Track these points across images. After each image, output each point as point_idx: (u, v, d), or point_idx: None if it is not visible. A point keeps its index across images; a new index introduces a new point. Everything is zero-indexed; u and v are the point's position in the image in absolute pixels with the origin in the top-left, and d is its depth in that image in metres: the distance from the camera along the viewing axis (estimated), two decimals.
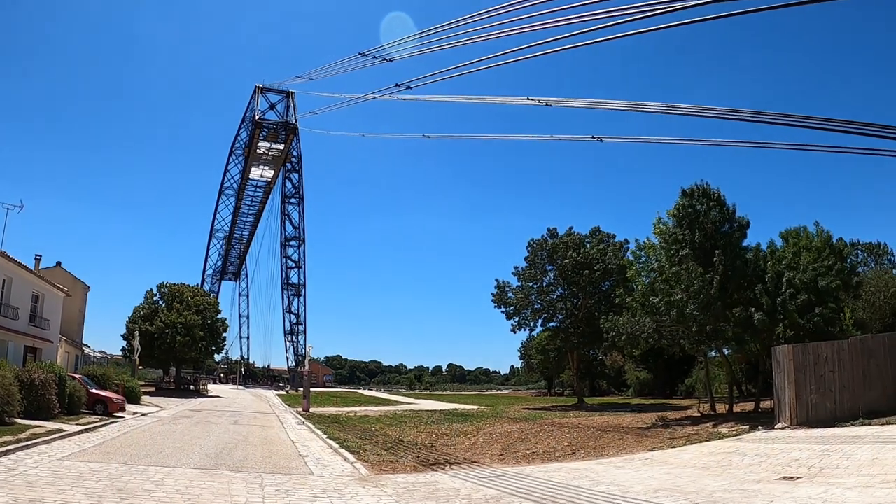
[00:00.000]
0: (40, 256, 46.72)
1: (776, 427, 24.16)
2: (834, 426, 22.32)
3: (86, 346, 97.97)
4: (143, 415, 32.79)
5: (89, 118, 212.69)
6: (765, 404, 34.18)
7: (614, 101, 22.97)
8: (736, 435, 23.90)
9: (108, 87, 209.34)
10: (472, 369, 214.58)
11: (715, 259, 29.93)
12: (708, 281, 29.45)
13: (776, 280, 30.31)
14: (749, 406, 34.81)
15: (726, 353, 35.22)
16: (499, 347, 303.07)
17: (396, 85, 26.55)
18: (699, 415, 33.66)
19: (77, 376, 31.69)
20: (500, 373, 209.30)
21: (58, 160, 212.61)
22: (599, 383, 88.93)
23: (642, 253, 36.09)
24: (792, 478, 14.21)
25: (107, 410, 29.72)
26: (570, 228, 57.38)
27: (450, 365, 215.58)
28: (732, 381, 35.28)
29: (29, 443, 17.05)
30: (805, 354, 24.55)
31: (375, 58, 31.34)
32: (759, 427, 24.99)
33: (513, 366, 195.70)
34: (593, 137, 21.83)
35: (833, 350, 24.57)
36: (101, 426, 24.52)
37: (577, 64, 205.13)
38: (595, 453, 20.89)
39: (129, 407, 34.54)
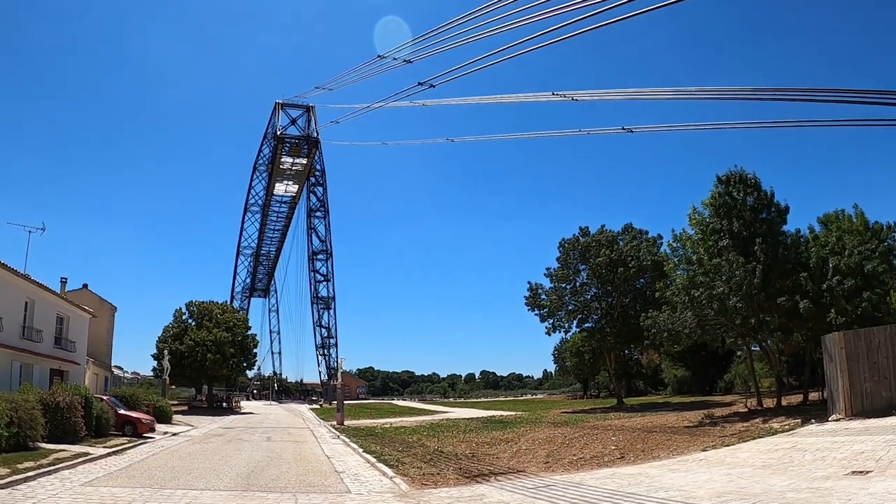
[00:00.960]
0: (66, 279, 46.60)
1: (830, 419, 23.14)
2: (891, 415, 21.23)
3: (119, 368, 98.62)
4: (174, 434, 32.22)
5: (111, 141, 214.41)
6: (813, 396, 33.27)
7: (641, 90, 22.20)
8: (789, 430, 22.83)
9: (128, 109, 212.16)
10: (505, 375, 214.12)
11: (756, 248, 28.85)
12: (750, 271, 28.33)
13: (821, 266, 29.12)
14: (796, 399, 33.68)
15: (770, 344, 33.92)
16: (531, 352, 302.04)
17: (419, 84, 25.82)
18: (746, 410, 32.53)
19: (105, 398, 31.21)
20: (533, 377, 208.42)
21: (81, 184, 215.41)
22: (636, 383, 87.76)
23: (678, 245, 34.97)
24: (862, 472, 13.28)
25: (136, 431, 29.19)
26: (603, 226, 56.14)
27: (482, 372, 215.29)
28: (783, 374, 33.90)
29: (52, 468, 16.43)
30: (857, 341, 23.45)
31: (395, 59, 30.59)
32: (812, 420, 23.86)
33: (545, 370, 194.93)
34: (623, 129, 21.20)
35: (886, 335, 23.36)
36: (129, 448, 23.95)
37: (602, 55, 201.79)
38: (645, 456, 19.86)
39: (160, 427, 34.02)
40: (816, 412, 26.17)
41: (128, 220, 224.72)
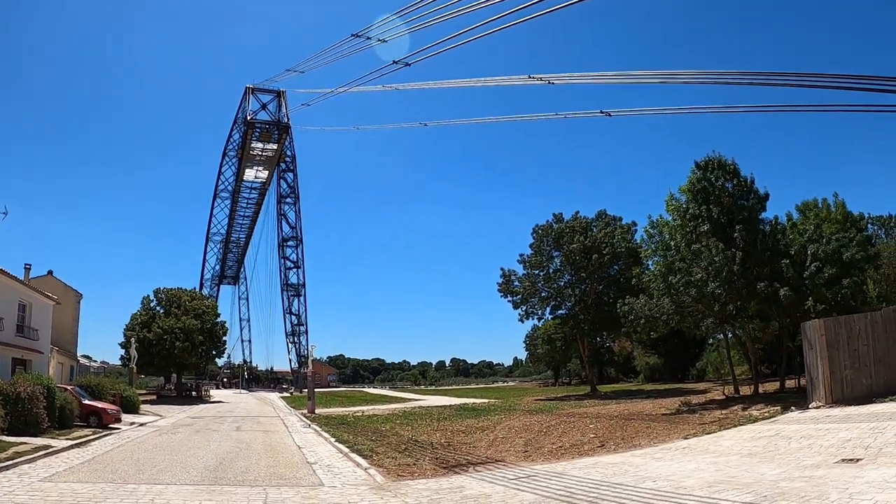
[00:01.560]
0: (30, 266, 45.03)
1: (810, 407, 22.92)
2: (872, 402, 21.08)
3: (87, 357, 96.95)
4: (141, 425, 31.23)
5: (77, 128, 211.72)
6: (789, 383, 33.10)
7: (622, 73, 21.73)
8: (770, 417, 22.58)
9: (94, 96, 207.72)
10: (476, 363, 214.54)
11: (736, 234, 28.55)
12: (730, 257, 28.02)
13: (801, 253, 28.88)
14: (772, 386, 33.57)
15: (746, 332, 33.68)
16: (501, 339, 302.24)
17: (393, 62, 25.10)
18: (724, 398, 32.33)
19: (69, 388, 30.10)
20: (503, 365, 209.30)
21: (47, 171, 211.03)
22: (608, 371, 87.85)
23: (655, 231, 34.59)
24: (852, 460, 12.96)
25: (101, 422, 28.16)
26: (577, 213, 55.81)
27: (453, 359, 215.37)
28: (757, 362, 33.68)
29: (9, 462, 15.57)
30: (837, 329, 23.26)
31: (368, 38, 29.70)
32: (792, 408, 23.63)
33: (516, 357, 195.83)
34: (601, 112, 20.76)
35: (866, 322, 23.23)
36: (93, 440, 23.00)
37: (581, 38, 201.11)
38: (626, 444, 19.36)
39: (127, 417, 32.99)
40: (794, 400, 26.01)
41: (95, 208, 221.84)
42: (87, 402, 29.22)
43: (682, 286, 30.08)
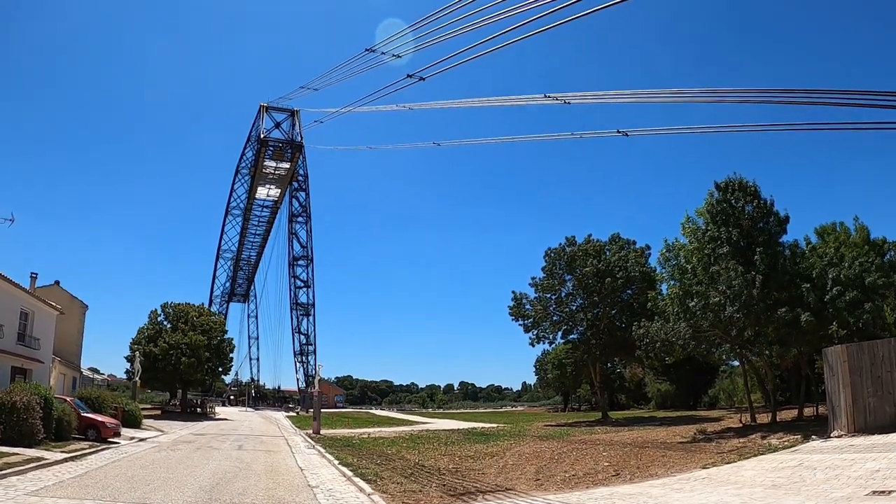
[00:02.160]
0: (36, 275, 44.51)
1: (832, 435, 21.95)
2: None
3: (94, 370, 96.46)
4: (142, 440, 30.57)
5: (92, 140, 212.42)
6: (807, 411, 32.27)
7: (639, 92, 21.15)
8: (790, 446, 21.58)
9: (111, 109, 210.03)
10: (484, 386, 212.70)
11: (756, 257, 27.81)
12: (749, 281, 27.22)
13: (823, 277, 28.07)
14: (789, 414, 32.76)
15: (763, 358, 32.75)
16: (510, 364, 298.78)
17: (408, 76, 24.64)
18: (740, 425, 31.37)
19: (68, 399, 29.45)
20: (511, 389, 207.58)
21: (58, 182, 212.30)
22: (618, 397, 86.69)
23: (671, 255, 33.79)
24: (884, 492, 12.15)
25: (100, 436, 27.51)
26: (589, 235, 54.95)
27: (461, 383, 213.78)
28: (774, 389, 32.75)
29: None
30: (860, 355, 22.21)
31: (383, 53, 29.27)
32: (813, 437, 22.63)
33: (525, 382, 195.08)
34: (618, 132, 20.64)
35: (890, 348, 22.10)
36: (89, 454, 22.33)
37: (599, 57, 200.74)
38: (642, 474, 18.52)
39: (128, 432, 32.46)
40: (814, 428, 25.15)
41: (106, 221, 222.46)
42: (85, 414, 28.53)
43: (699, 310, 29.30)
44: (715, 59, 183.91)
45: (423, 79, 24.48)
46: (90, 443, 25.80)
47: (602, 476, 18.30)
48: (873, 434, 20.41)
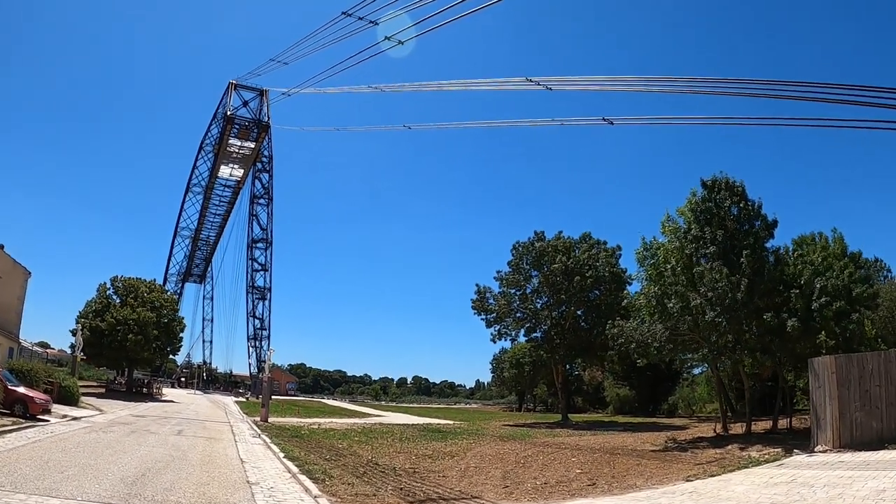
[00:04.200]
0: None
1: (816, 450, 20.59)
2: (884, 448, 18.85)
3: (45, 344, 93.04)
4: (75, 419, 28.18)
5: (55, 109, 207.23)
6: (781, 423, 31.16)
7: (626, 78, 19.69)
8: (773, 460, 20.17)
9: (74, 77, 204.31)
10: (438, 382, 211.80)
11: (743, 260, 26.33)
12: (734, 284, 25.72)
13: (810, 285, 26.77)
14: (764, 425, 31.35)
15: (741, 366, 31.40)
16: (464, 361, 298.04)
17: (386, 38, 22.73)
18: (713, 435, 30.06)
19: None
20: (465, 386, 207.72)
21: (11, 148, 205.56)
22: (575, 400, 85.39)
23: (648, 254, 32.25)
24: None
25: (27, 412, 25.10)
26: (560, 232, 53.38)
27: (415, 377, 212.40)
28: (751, 399, 31.31)
29: None
30: (849, 367, 20.95)
31: (360, 18, 27.13)
32: (795, 450, 21.24)
33: (478, 379, 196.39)
34: (603, 119, 19.11)
35: (880, 361, 20.86)
36: (10, 431, 20.13)
37: (583, 44, 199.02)
38: (620, 484, 16.73)
39: (62, 409, 30.09)
40: (793, 441, 23.99)
41: (61, 190, 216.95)
42: (12, 387, 25.99)
43: (677, 312, 27.86)
44: (714, 48, 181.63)
45: (402, 42, 22.67)
46: (13, 419, 23.37)
47: (577, 485, 16.49)
48: (859, 450, 19.16)
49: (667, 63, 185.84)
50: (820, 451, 20.33)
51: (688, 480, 16.89)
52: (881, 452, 18.28)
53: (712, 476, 17.51)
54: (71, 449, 17.91)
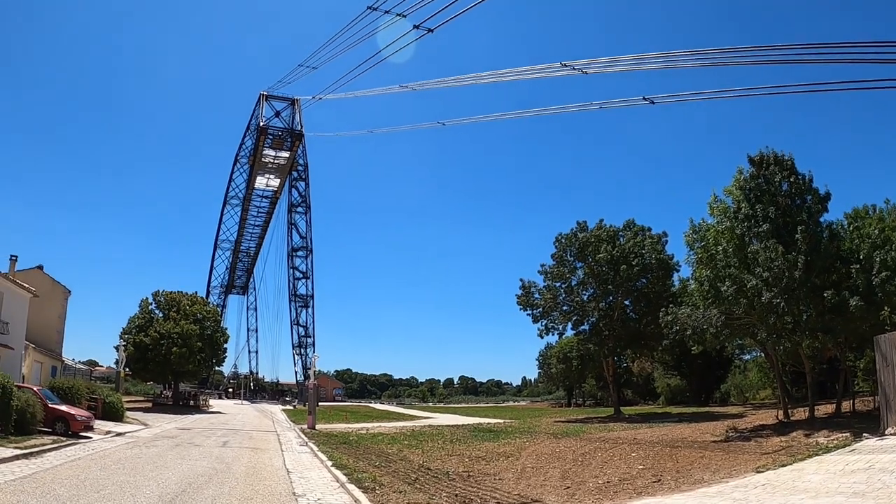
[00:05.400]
0: (16, 257, 41.45)
1: (888, 433, 19.57)
2: None
3: (94, 363, 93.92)
4: (118, 435, 27.89)
5: (92, 129, 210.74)
6: (844, 405, 30.13)
7: (664, 54, 18.83)
8: (844, 445, 18.97)
9: (110, 98, 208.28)
10: (484, 381, 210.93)
11: (798, 236, 25.11)
12: (791, 262, 24.52)
13: (869, 260, 25.50)
14: (825, 409, 30.06)
15: (803, 348, 30.11)
16: (510, 358, 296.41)
17: (415, 27, 22.00)
18: (776, 422, 28.78)
19: (35, 388, 26.57)
20: (512, 384, 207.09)
21: (51, 166, 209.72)
22: (625, 392, 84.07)
23: (697, 237, 31.12)
24: None
25: (69, 429, 24.76)
26: (601, 220, 52.11)
27: (461, 377, 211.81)
28: (812, 382, 29.98)
29: None
30: None
31: (387, 12, 26.41)
32: (865, 434, 20.19)
33: (525, 377, 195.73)
34: (644, 99, 18.11)
35: None
36: (50, 450, 19.66)
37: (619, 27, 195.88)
38: (686, 479, 15.79)
39: (106, 425, 29.91)
40: (860, 425, 22.92)
41: (103, 211, 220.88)
42: (53, 405, 25.70)
43: (731, 295, 26.73)
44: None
45: (431, 30, 21.95)
46: (55, 437, 23.05)
47: (641, 482, 15.58)
48: None
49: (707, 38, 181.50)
50: (891, 434, 19.45)
51: (758, 472, 15.91)
52: None
53: (783, 466, 16.50)
54: (110, 466, 17.45)
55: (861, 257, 25.98)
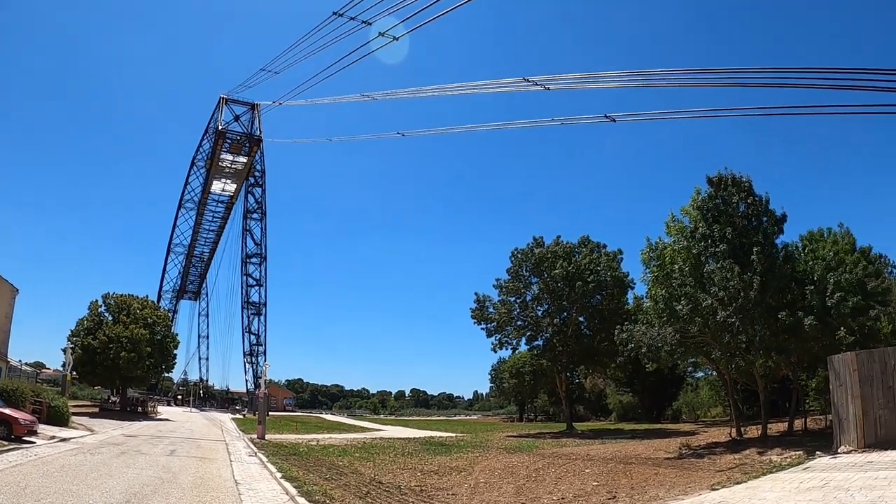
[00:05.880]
0: None
1: (840, 451, 19.71)
2: None
3: (41, 365, 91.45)
4: (63, 440, 27.00)
5: (45, 126, 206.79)
6: (796, 424, 30.47)
7: (628, 73, 19.14)
8: (797, 463, 19.18)
9: (65, 95, 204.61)
10: (436, 394, 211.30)
11: (753, 257, 25.55)
12: (747, 282, 24.80)
13: (823, 281, 25.92)
14: (777, 428, 30.56)
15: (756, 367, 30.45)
16: (462, 372, 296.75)
17: (380, 34, 22.05)
18: (728, 440, 29.15)
19: None
20: (463, 398, 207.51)
21: (8, 166, 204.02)
22: (577, 408, 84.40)
23: (654, 255, 31.31)
24: None
25: (11, 433, 23.92)
26: (558, 237, 52.51)
27: (413, 390, 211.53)
28: (765, 400, 30.34)
29: None
30: (871, 363, 20.16)
31: (352, 19, 26.19)
32: (818, 452, 20.41)
33: (476, 391, 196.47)
34: (605, 117, 18.30)
35: None
36: None
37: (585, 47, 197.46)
38: (642, 496, 15.64)
39: (51, 430, 28.95)
40: (813, 443, 23.20)
41: (53, 209, 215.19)
42: None
43: (687, 314, 26.94)
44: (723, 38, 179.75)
45: (396, 38, 22.00)
46: None
47: (596, 499, 15.39)
48: (886, 449, 18.38)
49: (667, 60, 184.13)
50: (844, 452, 19.52)
51: (713, 489, 15.83)
52: None
53: (738, 483, 16.47)
54: (53, 473, 16.75)
55: (816, 278, 26.48)
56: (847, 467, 16.86)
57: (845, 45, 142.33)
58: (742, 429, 30.69)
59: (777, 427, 30.61)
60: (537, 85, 19.07)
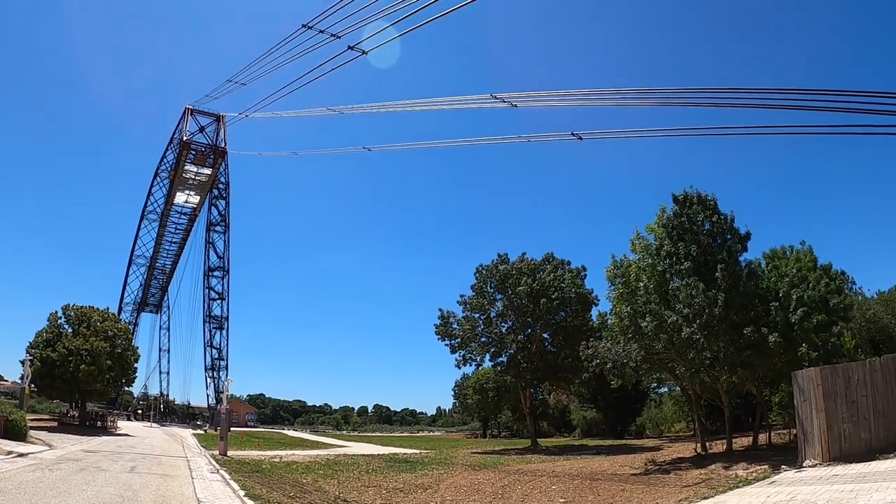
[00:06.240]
0: None
1: (805, 465, 20.04)
2: (875, 458, 18.52)
3: (2, 377, 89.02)
4: (20, 455, 26.15)
5: (3, 130, 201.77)
6: (760, 438, 30.82)
7: (595, 91, 19.24)
8: (763, 478, 19.36)
9: (25, 98, 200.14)
10: (399, 410, 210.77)
11: (718, 274, 25.90)
12: (711, 299, 25.03)
13: (787, 298, 26.25)
14: (741, 442, 30.82)
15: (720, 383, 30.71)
16: (425, 388, 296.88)
17: (349, 48, 21.95)
18: (694, 455, 29.33)
19: None
20: (426, 414, 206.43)
21: None
22: (541, 424, 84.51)
23: (619, 272, 31.45)
24: None
25: None
26: (523, 254, 52.83)
27: (376, 405, 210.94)
28: (730, 416, 30.59)
29: None
30: (835, 378, 20.62)
31: (321, 31, 26.00)
32: (783, 466, 20.67)
33: (439, 406, 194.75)
34: (572, 135, 18.69)
35: (865, 371, 20.67)
36: None
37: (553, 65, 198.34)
38: None
39: (8, 445, 28.00)
40: (778, 457, 23.39)
41: (13, 217, 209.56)
42: None
43: (652, 330, 27.11)
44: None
45: (365, 52, 21.93)
46: None
47: None
48: (850, 462, 18.81)
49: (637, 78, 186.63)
50: (809, 466, 19.87)
51: None
52: (873, 463, 17.90)
53: (705, 499, 16.59)
54: (10, 490, 16.23)
55: (780, 295, 26.81)
56: (813, 481, 17.04)
57: (813, 67, 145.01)
58: (707, 444, 30.95)
59: (741, 441, 30.89)
60: (505, 102, 19.16)
